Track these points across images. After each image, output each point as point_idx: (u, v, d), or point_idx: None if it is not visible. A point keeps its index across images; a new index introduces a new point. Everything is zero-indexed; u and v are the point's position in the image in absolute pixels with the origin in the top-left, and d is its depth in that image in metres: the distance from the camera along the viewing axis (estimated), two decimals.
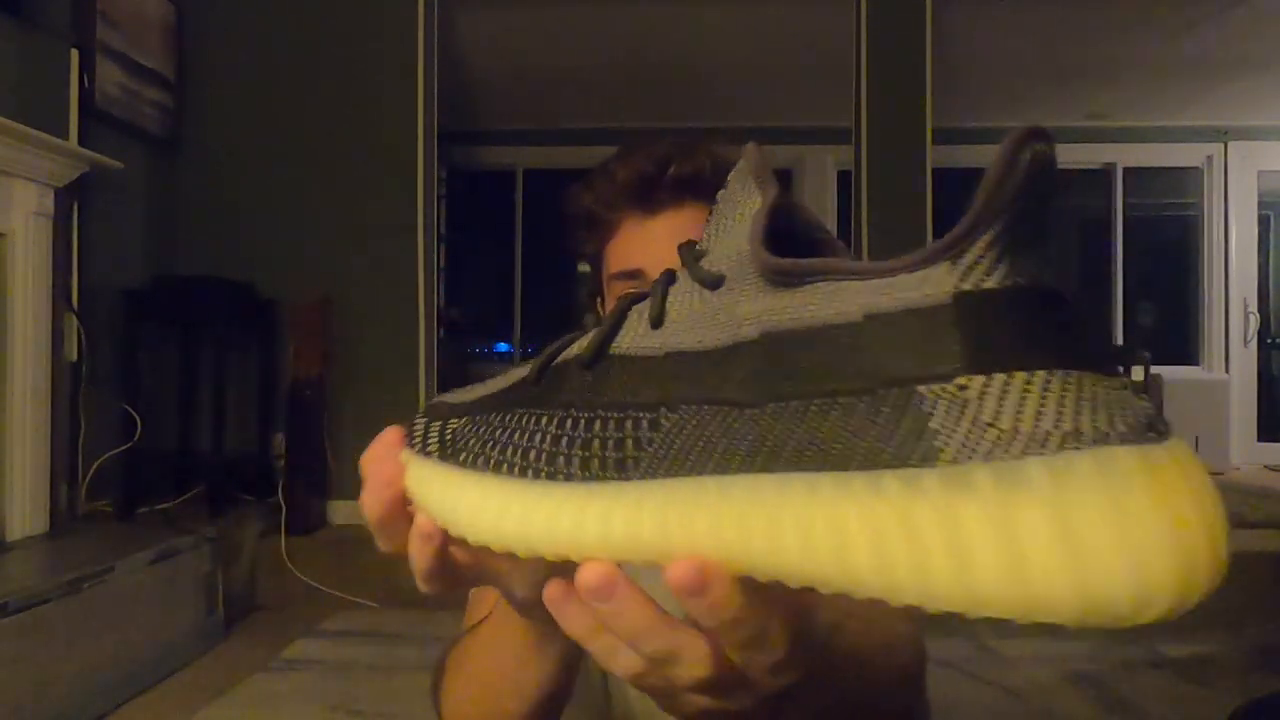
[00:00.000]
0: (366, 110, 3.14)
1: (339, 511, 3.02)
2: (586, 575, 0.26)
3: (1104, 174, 5.33)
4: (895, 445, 0.21)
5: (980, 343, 0.20)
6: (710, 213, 0.30)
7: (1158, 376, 4.60)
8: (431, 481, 0.31)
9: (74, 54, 2.53)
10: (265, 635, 2.46)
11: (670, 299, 0.27)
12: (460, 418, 0.32)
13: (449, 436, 0.32)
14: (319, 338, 2.96)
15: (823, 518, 0.22)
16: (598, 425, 0.27)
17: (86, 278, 2.58)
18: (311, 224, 3.14)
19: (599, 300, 0.79)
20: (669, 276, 0.29)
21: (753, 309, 0.24)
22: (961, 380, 0.20)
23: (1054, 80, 4.51)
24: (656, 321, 0.27)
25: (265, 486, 2.90)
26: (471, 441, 0.30)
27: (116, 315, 2.67)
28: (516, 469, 0.28)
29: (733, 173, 0.29)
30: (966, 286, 0.21)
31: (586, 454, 0.27)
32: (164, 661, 2.15)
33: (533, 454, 0.28)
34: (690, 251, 0.29)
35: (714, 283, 0.26)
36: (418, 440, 0.33)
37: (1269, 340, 5.42)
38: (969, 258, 0.21)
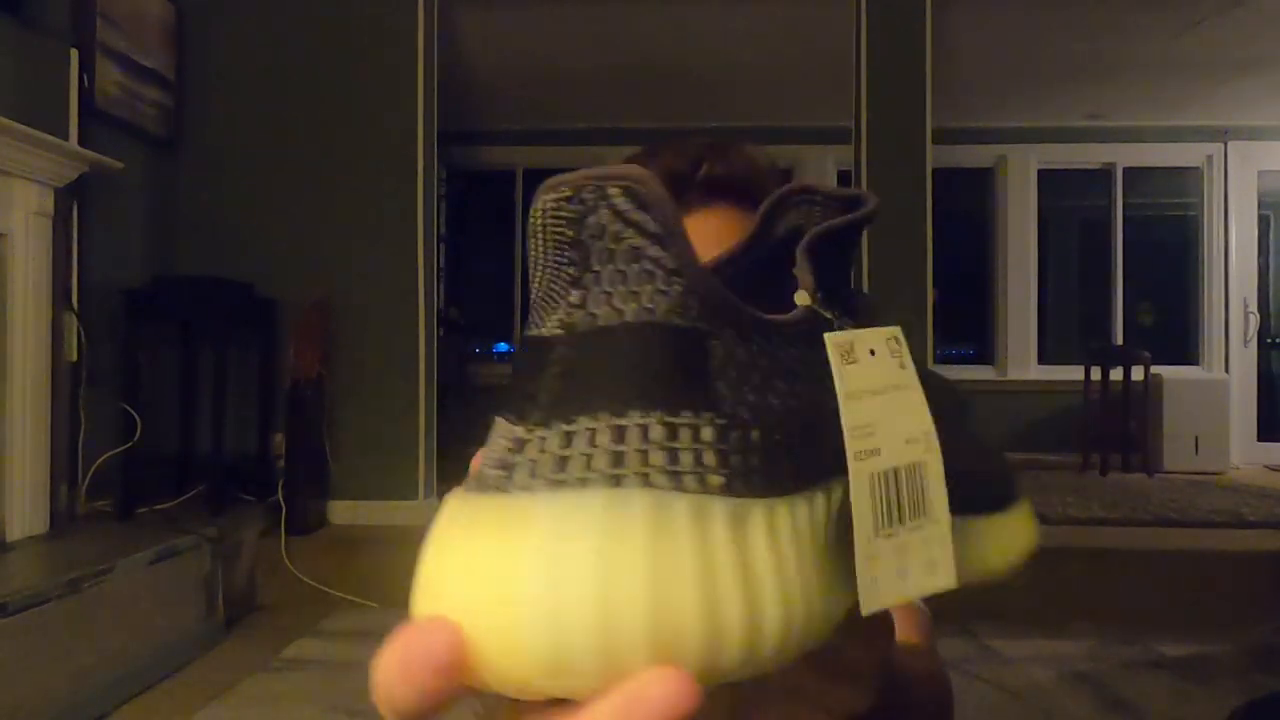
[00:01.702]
0: (366, 110, 3.15)
1: (339, 511, 3.02)
2: None
3: (1104, 174, 5.34)
4: None
5: None
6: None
7: (1158, 376, 4.60)
8: None
9: (74, 54, 2.53)
10: (265, 635, 2.46)
11: None
12: None
13: None
14: (319, 338, 2.96)
15: None
16: None
17: (86, 278, 2.58)
18: (311, 224, 3.14)
19: None
20: None
21: None
22: None
23: (1054, 80, 4.51)
24: None
25: (265, 486, 2.90)
26: None
27: (116, 315, 2.67)
28: None
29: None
30: None
31: None
32: (164, 661, 2.15)
33: None
34: None
35: None
36: None
37: (1269, 340, 5.42)
38: None
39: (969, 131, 4.99)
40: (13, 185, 2.22)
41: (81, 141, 2.51)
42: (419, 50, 3.14)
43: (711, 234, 0.61)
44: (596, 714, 0.17)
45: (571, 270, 0.20)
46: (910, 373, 0.25)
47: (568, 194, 0.20)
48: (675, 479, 0.18)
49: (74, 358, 2.52)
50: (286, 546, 2.72)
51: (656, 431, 0.18)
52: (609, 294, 0.19)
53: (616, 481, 0.18)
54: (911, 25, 3.31)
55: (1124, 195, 5.30)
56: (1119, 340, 5.25)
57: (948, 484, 0.25)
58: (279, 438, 2.97)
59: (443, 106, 3.29)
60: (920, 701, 0.46)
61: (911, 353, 0.27)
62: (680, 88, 4.58)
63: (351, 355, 3.07)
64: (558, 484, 0.18)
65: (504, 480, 0.18)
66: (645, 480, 0.18)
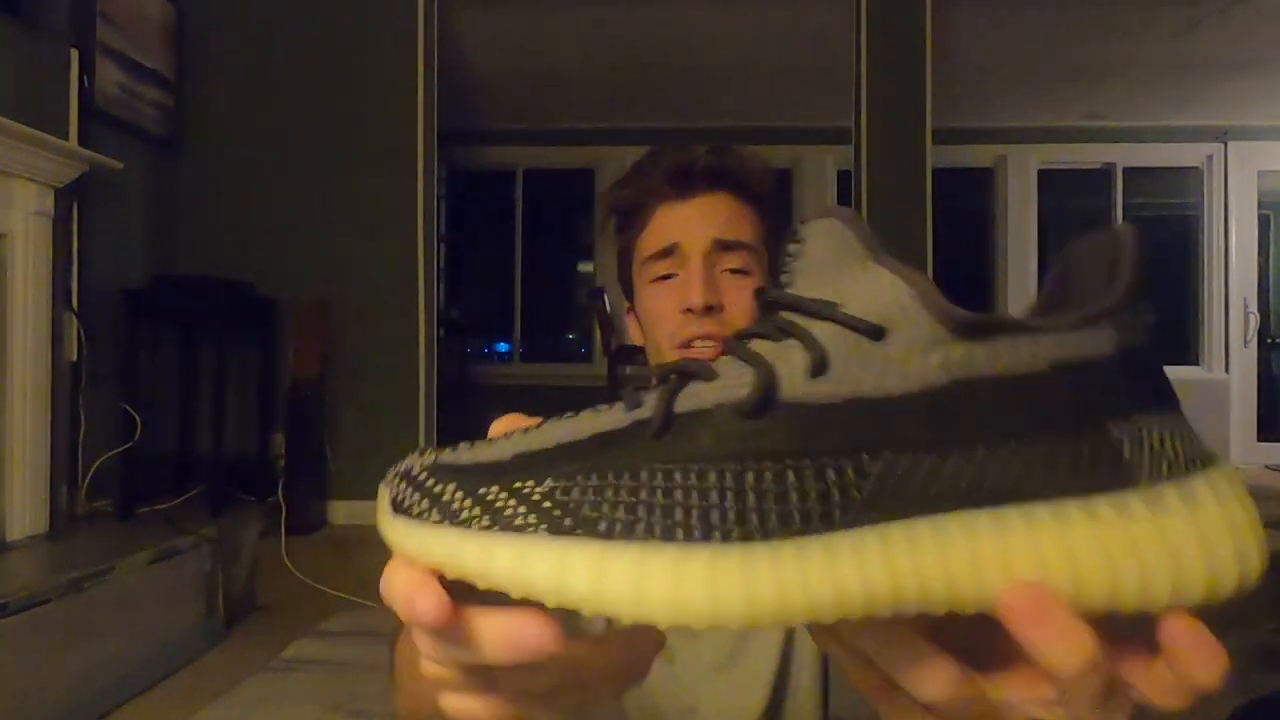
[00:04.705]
0: (366, 110, 3.15)
1: (339, 511, 3.02)
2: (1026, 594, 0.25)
3: (1104, 174, 5.33)
4: (1094, 473, 0.26)
5: (1140, 387, 0.27)
6: (782, 264, 0.30)
7: None
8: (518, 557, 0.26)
9: (74, 54, 2.53)
10: (265, 635, 2.46)
11: (828, 348, 0.27)
12: (518, 480, 0.27)
13: (507, 501, 0.27)
14: (319, 338, 2.96)
15: (1048, 543, 0.25)
16: (791, 476, 0.26)
17: (86, 278, 2.58)
18: (311, 224, 3.14)
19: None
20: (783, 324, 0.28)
21: (934, 359, 0.27)
22: (1136, 418, 0.27)
23: (1054, 80, 4.51)
24: (820, 368, 0.27)
25: (265, 486, 2.90)
26: (577, 506, 0.26)
27: (116, 315, 2.67)
28: (683, 531, 0.25)
29: (812, 226, 0.30)
30: (1126, 344, 0.27)
31: (785, 508, 0.25)
32: (164, 661, 2.15)
33: (714, 514, 0.25)
34: (821, 302, 0.28)
35: (876, 333, 0.27)
36: (433, 509, 0.27)
37: (1269, 340, 5.42)
38: (1125, 321, 0.27)
39: (969, 131, 4.98)
40: (13, 185, 2.22)
41: (81, 141, 2.51)
42: (419, 50, 3.14)
43: (711, 214, 0.75)
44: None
45: (1146, 298, 0.29)
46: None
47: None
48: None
49: (74, 358, 2.52)
50: (286, 546, 2.72)
51: None
52: (1149, 323, 0.29)
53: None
54: (911, 25, 3.31)
55: (1124, 195, 5.29)
56: None
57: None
58: (279, 438, 2.97)
59: (443, 106, 3.29)
60: None
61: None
62: (680, 88, 4.58)
63: (351, 355, 3.07)
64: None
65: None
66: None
